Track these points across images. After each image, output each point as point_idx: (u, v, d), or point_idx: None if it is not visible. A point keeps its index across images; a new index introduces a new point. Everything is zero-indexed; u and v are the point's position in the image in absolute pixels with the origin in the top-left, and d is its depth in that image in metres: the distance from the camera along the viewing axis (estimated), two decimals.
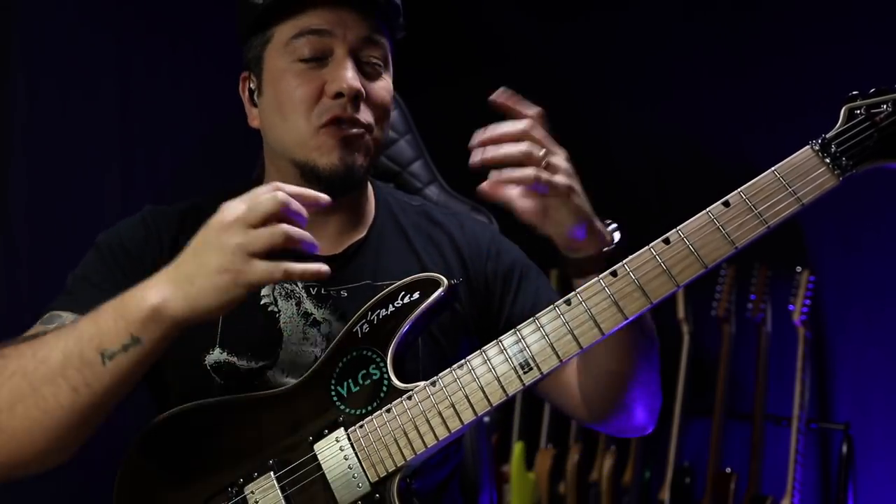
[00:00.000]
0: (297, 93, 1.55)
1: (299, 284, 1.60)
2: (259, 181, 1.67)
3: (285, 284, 1.60)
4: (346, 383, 1.47)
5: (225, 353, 1.56)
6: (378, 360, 1.47)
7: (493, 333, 1.45)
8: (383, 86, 1.61)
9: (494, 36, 3.84)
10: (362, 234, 1.68)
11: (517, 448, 3.61)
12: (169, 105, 2.99)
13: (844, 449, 3.19)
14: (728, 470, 3.33)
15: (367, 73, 1.59)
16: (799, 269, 3.29)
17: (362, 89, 1.55)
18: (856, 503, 3.19)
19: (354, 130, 1.56)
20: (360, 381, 1.47)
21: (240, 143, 3.12)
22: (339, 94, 1.54)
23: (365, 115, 1.57)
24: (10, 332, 2.59)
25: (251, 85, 1.66)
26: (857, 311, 3.37)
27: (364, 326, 1.49)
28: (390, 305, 1.48)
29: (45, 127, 2.72)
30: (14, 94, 2.66)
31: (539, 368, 1.39)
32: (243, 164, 2.79)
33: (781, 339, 3.34)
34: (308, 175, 1.58)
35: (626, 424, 1.60)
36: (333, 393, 1.47)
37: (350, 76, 1.54)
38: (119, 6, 2.90)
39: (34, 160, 2.69)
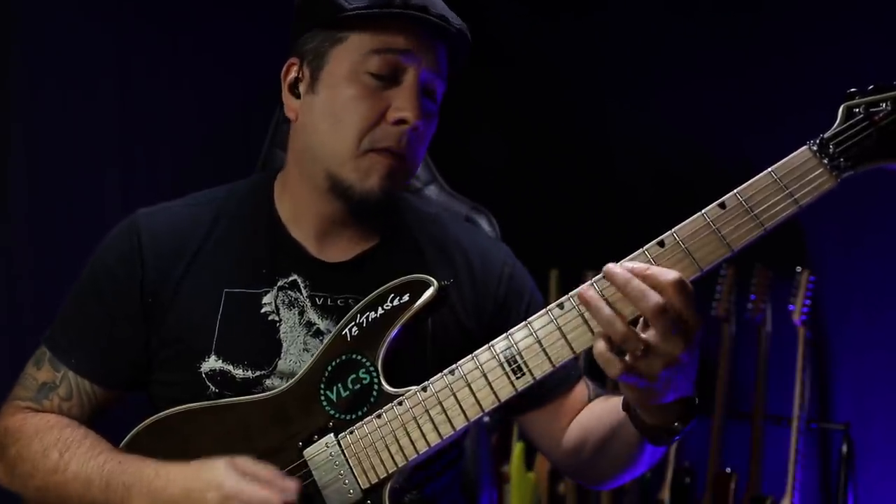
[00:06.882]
0: (360, 108, 1.49)
1: (304, 292, 1.57)
2: (270, 169, 1.62)
3: (289, 292, 1.56)
4: (335, 388, 1.46)
5: (220, 361, 1.52)
6: (368, 364, 1.46)
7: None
8: (433, 122, 1.56)
9: (493, 35, 3.82)
10: (374, 242, 1.62)
11: (517, 448, 3.60)
12: (169, 105, 2.99)
13: (844, 449, 3.18)
14: (728, 470, 3.32)
15: (425, 105, 1.53)
16: (799, 269, 3.28)
17: (423, 123, 1.51)
18: (856, 503, 3.18)
19: (399, 164, 1.52)
20: (350, 386, 1.46)
21: (240, 143, 3.13)
22: (400, 121, 1.49)
23: (412, 150, 1.53)
24: (10, 332, 2.61)
25: (298, 74, 1.56)
26: (858, 311, 3.36)
27: (353, 329, 1.48)
28: (380, 308, 1.47)
29: (45, 127, 2.72)
30: (14, 93, 2.66)
31: (532, 373, 1.37)
32: (243, 163, 2.79)
33: (781, 339, 3.32)
34: (337, 190, 1.53)
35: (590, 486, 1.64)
36: (323, 397, 1.46)
37: (418, 107, 1.49)
38: (119, 6, 2.89)
39: (34, 160, 2.69)
